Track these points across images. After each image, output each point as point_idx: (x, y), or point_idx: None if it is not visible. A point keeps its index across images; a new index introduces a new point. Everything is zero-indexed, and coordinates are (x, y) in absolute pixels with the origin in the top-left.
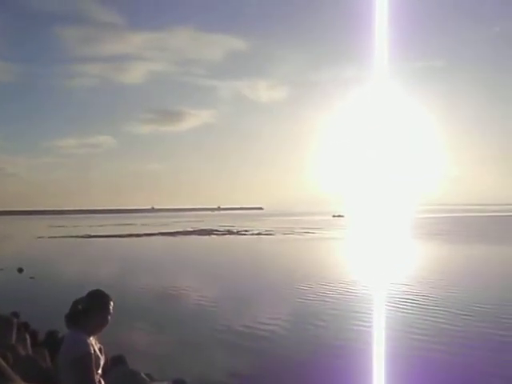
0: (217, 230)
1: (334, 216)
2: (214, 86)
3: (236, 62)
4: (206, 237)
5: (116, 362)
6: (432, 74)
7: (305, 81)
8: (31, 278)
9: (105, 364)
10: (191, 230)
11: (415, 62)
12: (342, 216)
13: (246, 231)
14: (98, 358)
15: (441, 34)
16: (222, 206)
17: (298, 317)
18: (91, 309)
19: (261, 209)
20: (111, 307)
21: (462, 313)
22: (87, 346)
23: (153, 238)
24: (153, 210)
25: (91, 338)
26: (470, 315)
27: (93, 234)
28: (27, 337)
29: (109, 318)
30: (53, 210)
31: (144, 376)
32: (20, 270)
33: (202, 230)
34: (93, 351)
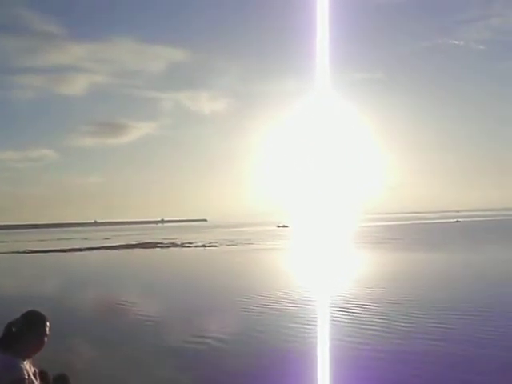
0: (161, 243)
1: (278, 226)
2: (156, 98)
3: (177, 74)
4: (150, 250)
5: (58, 382)
6: (371, 86)
7: (246, 93)
8: None
9: None
10: (135, 243)
11: (354, 74)
12: (286, 226)
13: (190, 243)
14: (32, 383)
15: (379, 47)
16: (165, 219)
17: (242, 329)
18: (26, 331)
19: (205, 220)
20: (48, 328)
21: (403, 320)
22: (21, 370)
23: (95, 252)
24: (95, 223)
25: (26, 362)
26: (411, 322)
27: (34, 248)
28: None
29: (45, 340)
30: None
31: None
32: None
33: (146, 243)
34: (27, 376)
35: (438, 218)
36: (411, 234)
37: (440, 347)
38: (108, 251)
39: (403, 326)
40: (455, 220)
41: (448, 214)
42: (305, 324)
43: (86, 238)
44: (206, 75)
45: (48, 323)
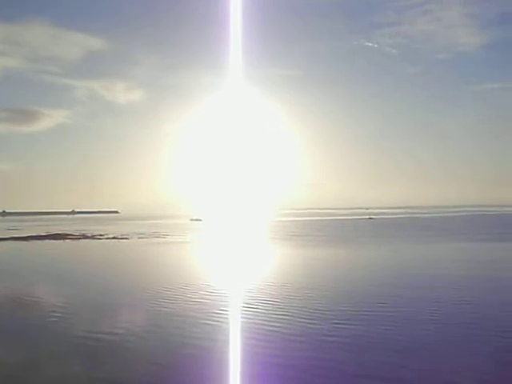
0: (71, 235)
1: (191, 220)
2: (70, 86)
3: (93, 62)
4: (60, 241)
5: None
6: (288, 82)
7: (162, 84)
8: None
9: None
10: (44, 234)
11: (271, 70)
12: (199, 220)
13: (102, 235)
14: None
15: (296, 45)
16: (76, 210)
17: (151, 321)
18: None
19: (117, 212)
20: None
21: (309, 312)
22: None
23: (2, 242)
24: (3, 213)
25: None
26: (318, 315)
27: None
28: None
29: None
30: None
31: None
32: None
33: (56, 234)
34: None
35: (353, 215)
36: (325, 229)
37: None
38: (17, 242)
39: (302, 317)
40: (368, 217)
41: (362, 211)
42: (213, 317)
43: None
44: (122, 65)
45: None
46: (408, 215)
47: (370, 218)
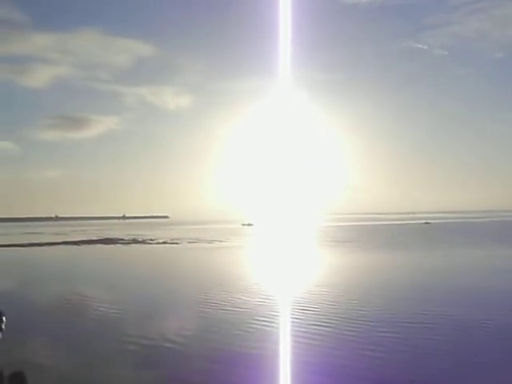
0: (122, 239)
1: (243, 224)
2: (119, 92)
3: (142, 68)
4: (111, 246)
5: (15, 380)
6: (334, 87)
7: (210, 90)
8: None
9: None
10: (96, 238)
11: (318, 75)
12: (251, 225)
13: (152, 240)
14: None
15: (342, 48)
16: (127, 215)
17: (204, 326)
18: None
19: (167, 217)
20: (3, 324)
21: (363, 319)
22: None
23: (55, 247)
24: (56, 218)
25: None
26: (369, 320)
27: None
28: None
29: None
30: None
31: None
32: None
33: (107, 238)
34: None
35: (405, 220)
36: (370, 234)
37: (393, 342)
38: (68, 246)
39: (356, 325)
40: (425, 222)
41: (413, 215)
42: (264, 322)
43: (46, 233)
44: (170, 71)
45: (4, 318)
46: (460, 220)
47: (427, 223)
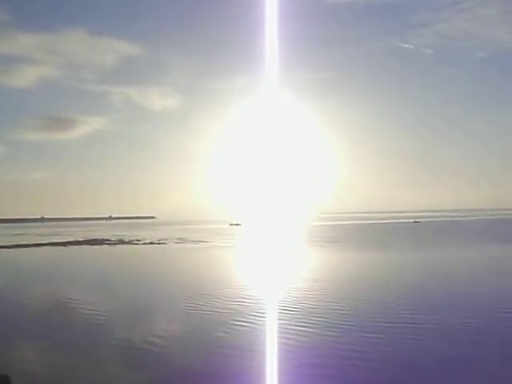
0: (108, 240)
1: (231, 224)
2: (106, 92)
3: (128, 68)
4: (98, 246)
5: None
6: (322, 85)
7: (197, 89)
8: None
9: None
10: (82, 239)
11: (306, 74)
12: (239, 224)
13: (138, 240)
14: None
15: (330, 47)
16: (113, 215)
17: (191, 327)
18: None
19: (153, 218)
20: None
21: (348, 319)
22: None
23: (42, 248)
24: (42, 219)
25: None
26: (350, 320)
27: None
28: None
29: None
30: None
31: None
32: None
33: (94, 239)
34: None
35: (394, 219)
36: (358, 233)
37: (376, 344)
38: (55, 247)
39: (342, 325)
40: (414, 220)
41: (400, 214)
42: (250, 321)
43: (32, 234)
44: (157, 70)
45: None
46: (449, 219)
47: (416, 222)
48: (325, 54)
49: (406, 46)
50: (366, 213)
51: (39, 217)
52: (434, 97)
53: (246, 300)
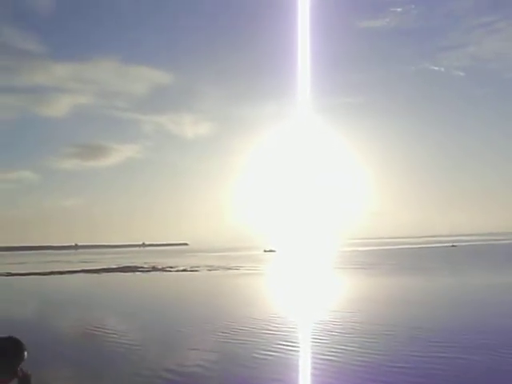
0: (141, 267)
1: (265, 251)
2: (138, 120)
3: (160, 96)
4: (130, 274)
5: None
6: (353, 110)
7: (228, 116)
8: None
9: None
10: (115, 266)
11: (338, 98)
12: (273, 251)
13: (171, 267)
14: None
15: (360, 71)
16: (146, 243)
17: (224, 356)
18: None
19: (186, 245)
20: (25, 356)
21: (377, 350)
22: None
23: (75, 275)
24: (76, 246)
25: None
26: (385, 351)
27: (14, 271)
28: None
29: (18, 368)
30: None
31: None
32: None
33: (127, 266)
34: None
35: (430, 243)
36: (390, 259)
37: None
38: (88, 275)
39: (377, 356)
40: (451, 244)
41: (434, 238)
42: (285, 350)
43: (66, 261)
44: (188, 98)
45: (25, 351)
46: (485, 242)
47: (453, 246)
48: (356, 78)
49: (436, 68)
50: (399, 238)
51: (73, 244)
52: (466, 118)
53: (278, 328)
